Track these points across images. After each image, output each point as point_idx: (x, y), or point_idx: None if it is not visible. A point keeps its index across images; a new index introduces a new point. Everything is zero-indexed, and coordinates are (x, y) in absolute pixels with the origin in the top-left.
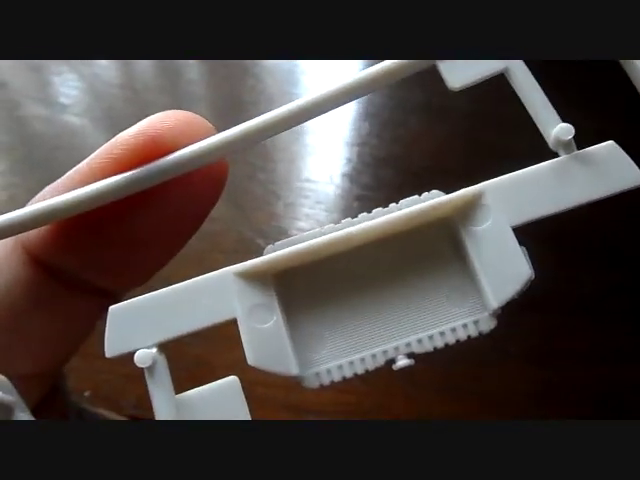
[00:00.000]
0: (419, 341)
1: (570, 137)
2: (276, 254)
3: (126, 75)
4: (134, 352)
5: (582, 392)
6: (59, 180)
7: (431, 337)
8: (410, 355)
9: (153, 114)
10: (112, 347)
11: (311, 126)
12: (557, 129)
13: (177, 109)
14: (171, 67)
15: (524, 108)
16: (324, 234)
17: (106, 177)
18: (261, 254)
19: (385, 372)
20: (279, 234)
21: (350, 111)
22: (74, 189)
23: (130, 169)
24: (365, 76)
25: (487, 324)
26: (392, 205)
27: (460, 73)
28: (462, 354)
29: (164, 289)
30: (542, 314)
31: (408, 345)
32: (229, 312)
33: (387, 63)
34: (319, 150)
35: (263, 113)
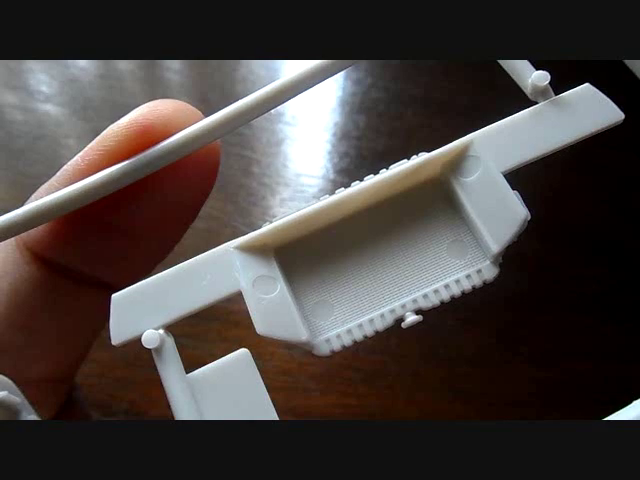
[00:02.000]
0: (425, 296)
1: (546, 83)
2: (274, 224)
3: (107, 64)
4: (140, 337)
5: (588, 392)
6: (54, 177)
7: (436, 291)
8: (418, 311)
9: (134, 103)
10: (117, 334)
11: (307, 120)
12: (533, 77)
13: (161, 99)
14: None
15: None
16: (319, 202)
17: (100, 170)
18: None
19: (388, 372)
20: None
21: (346, 105)
22: (70, 184)
23: (123, 160)
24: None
25: (490, 272)
26: (382, 170)
27: None
28: (467, 354)
29: (165, 271)
30: (546, 314)
31: (415, 301)
32: (233, 285)
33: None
34: (315, 145)
35: None
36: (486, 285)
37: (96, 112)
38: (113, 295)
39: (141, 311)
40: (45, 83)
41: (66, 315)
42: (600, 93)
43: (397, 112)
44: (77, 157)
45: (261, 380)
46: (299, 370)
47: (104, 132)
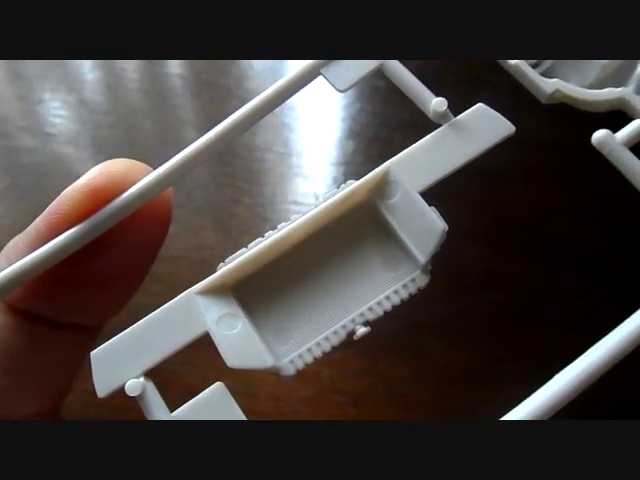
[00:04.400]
0: (370, 309)
1: (444, 108)
2: (228, 266)
3: (111, 101)
4: (123, 387)
5: (575, 409)
6: (20, 236)
7: (379, 303)
8: (365, 323)
9: (141, 140)
10: (102, 387)
11: (296, 147)
12: (433, 103)
13: (163, 134)
14: (155, 91)
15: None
16: (265, 240)
17: (61, 231)
18: None
19: (376, 395)
20: None
21: (334, 130)
22: (34, 245)
23: (81, 220)
24: (276, 90)
25: (422, 280)
26: (318, 201)
27: (343, 75)
28: (454, 374)
29: (136, 323)
30: (531, 332)
31: (362, 315)
32: (200, 327)
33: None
34: (305, 171)
35: (247, 135)
36: (420, 291)
37: (100, 149)
38: (92, 353)
39: (120, 363)
40: (52, 123)
41: (45, 356)
42: (491, 110)
43: (386, 136)
44: (38, 220)
45: (237, 407)
46: (289, 394)
47: (60, 196)
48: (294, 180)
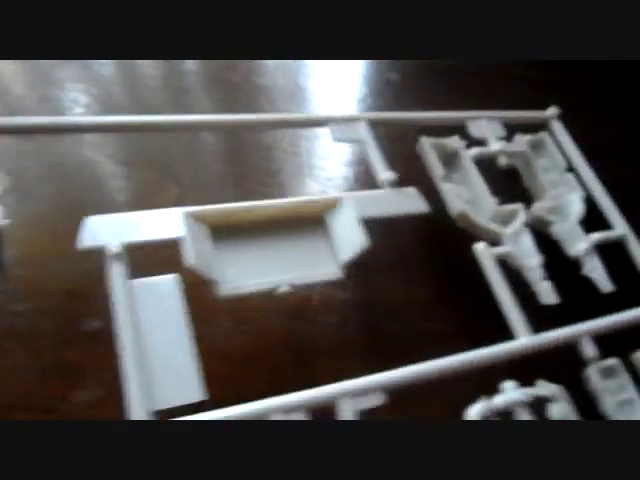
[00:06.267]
0: (295, 277)
1: (394, 178)
2: (211, 207)
3: (127, 95)
4: (100, 247)
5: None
6: None
7: (304, 276)
8: (291, 286)
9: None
10: (87, 241)
11: (305, 146)
12: (384, 175)
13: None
14: (171, 86)
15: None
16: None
17: None
18: None
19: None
20: None
21: None
22: None
23: None
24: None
25: (336, 274)
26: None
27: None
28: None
29: (132, 212)
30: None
31: (289, 280)
32: (177, 234)
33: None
34: (314, 171)
35: (256, 134)
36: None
37: None
38: (88, 218)
39: (107, 231)
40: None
41: None
42: (417, 192)
43: (397, 135)
44: None
45: (181, 303)
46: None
47: None
48: (303, 180)
